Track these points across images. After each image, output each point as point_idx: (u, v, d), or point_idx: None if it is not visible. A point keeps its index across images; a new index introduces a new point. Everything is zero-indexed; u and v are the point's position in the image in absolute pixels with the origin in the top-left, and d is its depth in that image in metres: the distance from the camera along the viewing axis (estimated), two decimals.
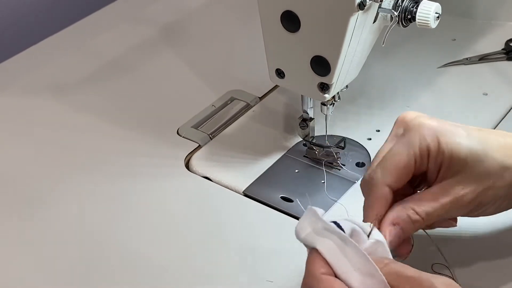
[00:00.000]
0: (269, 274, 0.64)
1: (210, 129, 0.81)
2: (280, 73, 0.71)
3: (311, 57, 0.67)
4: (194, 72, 0.90)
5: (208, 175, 0.75)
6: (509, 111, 0.82)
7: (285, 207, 0.71)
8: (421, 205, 0.56)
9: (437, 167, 0.57)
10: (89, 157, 0.78)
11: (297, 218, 0.69)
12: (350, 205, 0.68)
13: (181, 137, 0.80)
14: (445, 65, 0.89)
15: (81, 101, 0.86)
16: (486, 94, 0.85)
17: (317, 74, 0.68)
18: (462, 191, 0.56)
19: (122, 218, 0.71)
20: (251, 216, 0.71)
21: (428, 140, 0.57)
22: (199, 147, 0.79)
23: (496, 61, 0.90)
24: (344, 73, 0.68)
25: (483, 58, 0.90)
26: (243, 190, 0.73)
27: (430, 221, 0.57)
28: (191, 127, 0.81)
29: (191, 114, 0.83)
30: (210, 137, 0.80)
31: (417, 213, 0.56)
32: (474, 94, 0.85)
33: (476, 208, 0.58)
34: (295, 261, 0.65)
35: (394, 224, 0.56)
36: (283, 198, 0.72)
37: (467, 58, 0.90)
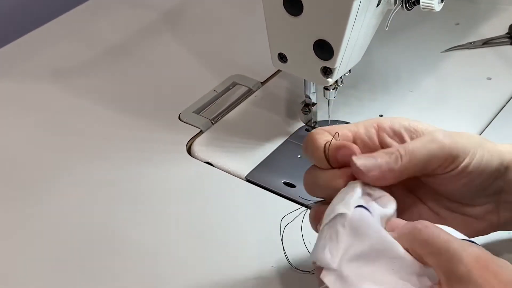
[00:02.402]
0: (272, 259, 0.64)
1: (212, 114, 0.81)
2: (282, 58, 0.71)
3: (314, 41, 0.67)
4: (196, 57, 0.90)
5: (210, 161, 0.75)
6: None
7: (288, 192, 0.71)
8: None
9: None
10: (90, 142, 0.78)
11: (300, 204, 0.69)
12: None
13: (182, 122, 0.80)
14: (449, 50, 0.89)
15: (81, 86, 0.85)
16: (490, 79, 0.84)
17: (320, 58, 0.68)
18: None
19: (123, 203, 0.70)
20: (253, 201, 0.70)
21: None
22: (201, 132, 0.79)
23: (499, 45, 0.89)
24: (347, 57, 0.68)
25: (487, 43, 0.89)
26: (245, 175, 0.73)
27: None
28: (193, 112, 0.81)
29: (193, 99, 0.82)
30: (212, 122, 0.80)
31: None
32: (478, 78, 0.84)
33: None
34: (297, 247, 0.64)
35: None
36: (285, 183, 0.72)
37: (470, 43, 0.89)
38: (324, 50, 0.67)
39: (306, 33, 0.67)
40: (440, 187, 0.55)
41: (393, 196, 0.53)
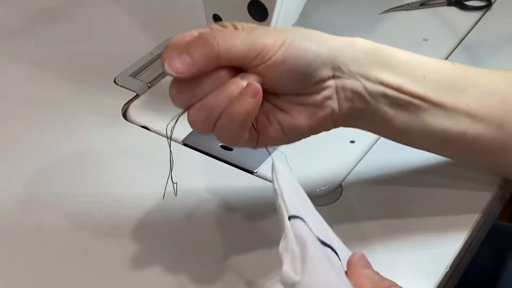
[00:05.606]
0: (208, 220, 0.64)
1: (149, 78, 0.79)
2: (217, 19, 0.70)
3: (248, 1, 0.66)
4: (132, 18, 0.88)
5: (146, 125, 0.74)
6: (448, 56, 0.82)
7: (225, 155, 0.70)
8: None
9: None
10: (23, 107, 0.76)
11: (238, 167, 0.69)
12: (289, 151, 0.67)
13: (118, 86, 0.78)
14: (387, 11, 0.89)
15: (14, 50, 0.83)
16: (426, 40, 0.85)
17: (255, 19, 0.67)
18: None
19: (59, 168, 0.69)
20: (190, 165, 0.70)
21: None
22: (137, 96, 0.77)
23: (436, 6, 0.90)
24: (282, 18, 0.67)
25: (424, 4, 0.90)
26: (182, 139, 0.72)
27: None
28: (129, 75, 0.79)
29: (129, 62, 0.81)
30: (148, 86, 0.79)
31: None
32: (415, 39, 0.85)
33: None
34: (236, 207, 0.65)
35: None
36: (222, 146, 0.72)
37: (408, 4, 0.90)
38: (258, 10, 0.66)
39: None
40: (265, 79, 0.56)
41: None
